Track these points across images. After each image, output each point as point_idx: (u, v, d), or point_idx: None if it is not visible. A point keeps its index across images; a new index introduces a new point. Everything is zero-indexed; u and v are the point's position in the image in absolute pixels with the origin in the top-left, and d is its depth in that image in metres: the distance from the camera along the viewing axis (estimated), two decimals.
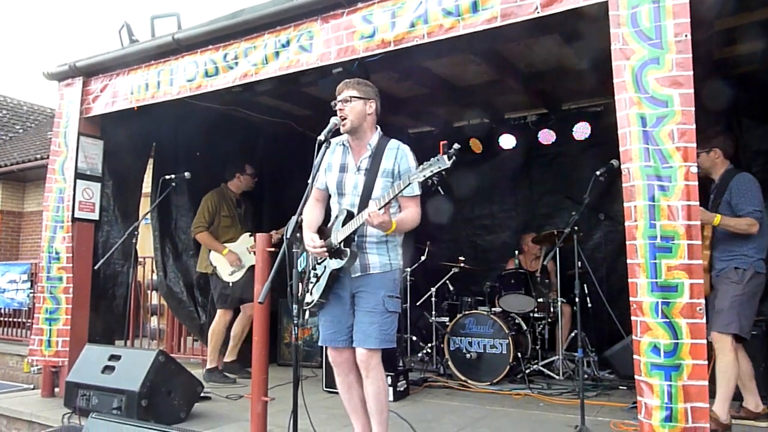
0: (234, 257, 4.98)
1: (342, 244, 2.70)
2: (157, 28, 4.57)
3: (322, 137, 2.66)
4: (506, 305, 5.34)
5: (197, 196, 5.25)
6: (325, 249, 2.73)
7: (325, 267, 2.77)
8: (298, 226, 2.60)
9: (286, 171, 5.70)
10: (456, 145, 2.34)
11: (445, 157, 2.31)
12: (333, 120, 2.74)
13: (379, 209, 2.51)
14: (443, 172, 2.34)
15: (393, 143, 2.85)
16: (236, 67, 3.96)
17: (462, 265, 5.66)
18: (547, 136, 6.06)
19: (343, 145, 2.91)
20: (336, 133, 2.76)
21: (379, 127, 2.90)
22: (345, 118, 2.79)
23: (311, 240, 2.76)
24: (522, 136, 6.27)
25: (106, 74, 4.73)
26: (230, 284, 4.98)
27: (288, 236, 2.47)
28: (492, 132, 6.35)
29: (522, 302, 5.29)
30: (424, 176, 2.36)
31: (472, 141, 6.38)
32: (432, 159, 2.35)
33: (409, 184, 2.44)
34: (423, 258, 5.80)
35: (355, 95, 2.79)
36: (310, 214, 2.91)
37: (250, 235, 5.10)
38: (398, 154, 2.79)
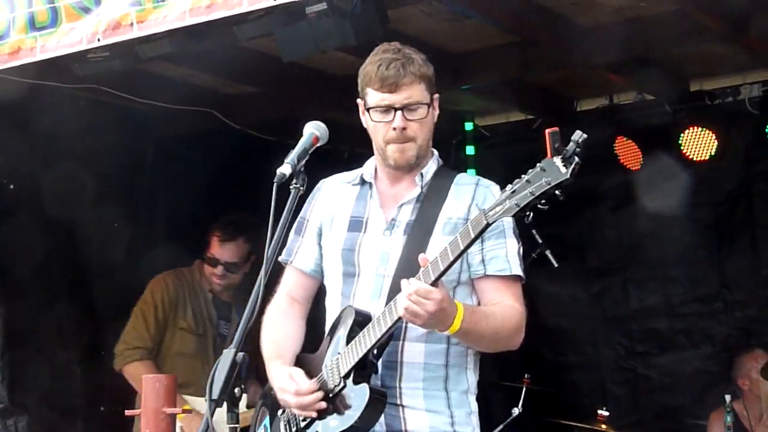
0: (198, 421, 5.14)
1: (350, 380, 2.86)
2: None
3: (286, 169, 2.67)
4: None
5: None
6: (321, 399, 2.89)
7: None
8: (245, 366, 2.55)
9: (209, 214, 5.93)
10: (579, 134, 2.39)
11: (558, 160, 2.37)
12: (310, 128, 2.83)
13: (432, 282, 2.64)
14: (557, 193, 2.40)
15: (464, 178, 3.16)
16: (96, 10, 4.12)
17: (604, 423, 5.91)
18: None
19: (363, 182, 3.12)
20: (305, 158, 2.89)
21: (435, 151, 3.18)
22: (408, 141, 2.98)
23: (289, 380, 2.91)
24: (730, 127, 6.43)
25: None
26: None
27: (215, 395, 2.41)
28: (665, 120, 6.47)
29: None
30: (519, 206, 2.44)
31: (619, 142, 6.52)
32: (531, 171, 2.45)
33: (488, 225, 2.55)
34: (517, 411, 5.98)
35: (426, 99, 2.97)
36: (279, 328, 3.14)
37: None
38: (477, 192, 3.02)
